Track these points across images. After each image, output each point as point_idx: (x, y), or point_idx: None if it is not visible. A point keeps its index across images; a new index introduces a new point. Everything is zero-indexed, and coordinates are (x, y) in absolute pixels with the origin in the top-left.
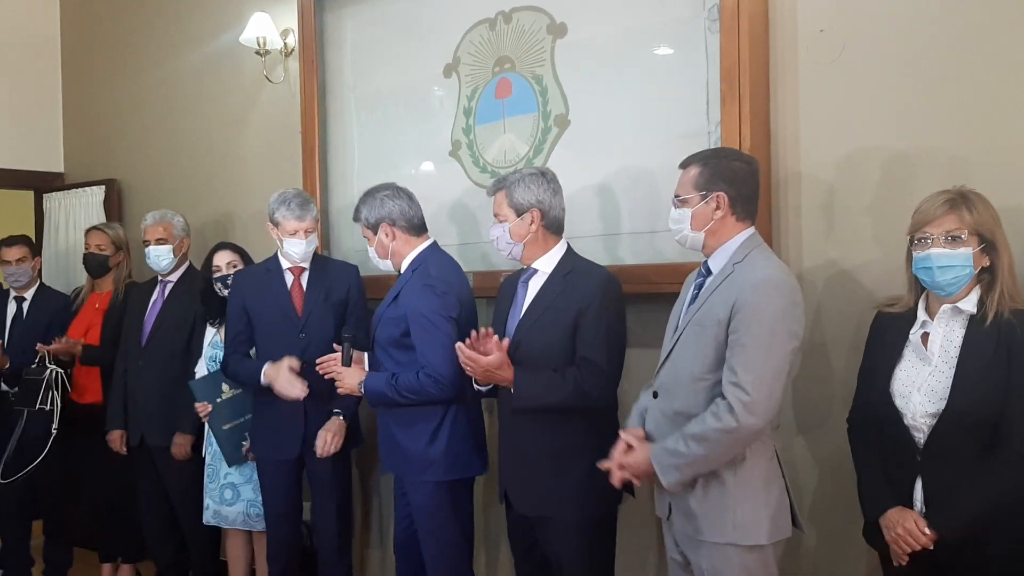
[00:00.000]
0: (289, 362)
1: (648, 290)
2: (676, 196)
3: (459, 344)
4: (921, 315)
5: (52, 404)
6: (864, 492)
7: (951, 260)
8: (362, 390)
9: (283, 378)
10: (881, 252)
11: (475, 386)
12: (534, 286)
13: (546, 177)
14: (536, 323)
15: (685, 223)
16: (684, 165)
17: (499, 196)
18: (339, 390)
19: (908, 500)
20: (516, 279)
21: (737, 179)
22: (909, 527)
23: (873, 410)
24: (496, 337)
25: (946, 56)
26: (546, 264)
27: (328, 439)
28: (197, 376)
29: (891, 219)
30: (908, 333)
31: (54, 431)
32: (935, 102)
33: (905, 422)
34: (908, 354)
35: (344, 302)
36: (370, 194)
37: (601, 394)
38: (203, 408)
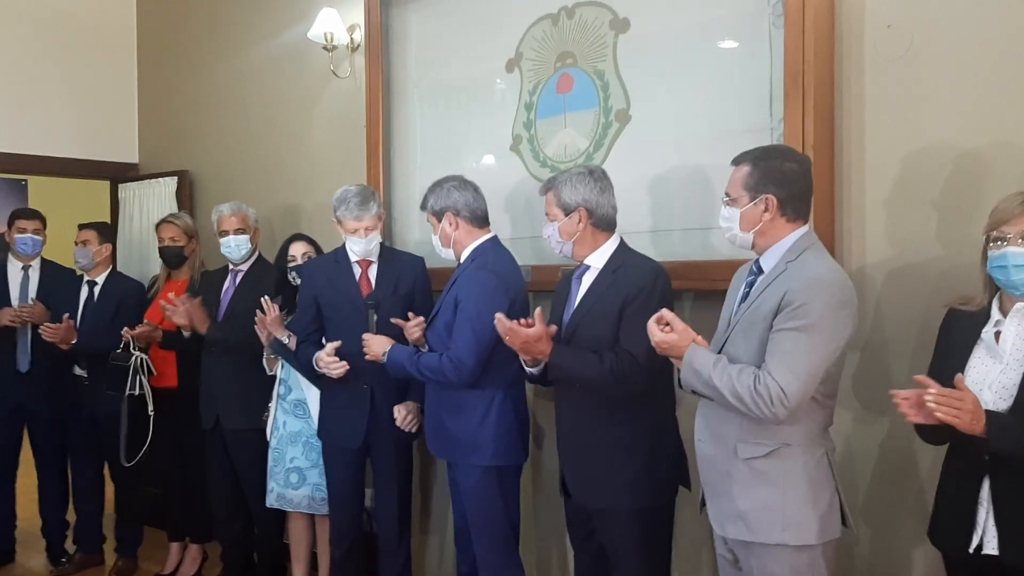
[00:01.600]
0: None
1: (710, 287)
2: (726, 195)
3: (499, 315)
4: (995, 314)
5: (141, 388)
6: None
7: None
8: (384, 358)
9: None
10: (946, 250)
11: (525, 368)
12: (586, 281)
13: (594, 176)
14: (586, 317)
15: (734, 223)
16: (736, 163)
17: (549, 196)
18: (367, 356)
19: (975, 499)
20: (572, 275)
21: (787, 180)
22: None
23: None
24: (539, 310)
25: (1018, 50)
26: (598, 260)
27: (405, 413)
28: (264, 361)
29: (959, 217)
30: (980, 331)
31: (151, 413)
32: (1007, 98)
33: None
34: (979, 352)
35: (411, 294)
36: (438, 184)
37: (632, 382)
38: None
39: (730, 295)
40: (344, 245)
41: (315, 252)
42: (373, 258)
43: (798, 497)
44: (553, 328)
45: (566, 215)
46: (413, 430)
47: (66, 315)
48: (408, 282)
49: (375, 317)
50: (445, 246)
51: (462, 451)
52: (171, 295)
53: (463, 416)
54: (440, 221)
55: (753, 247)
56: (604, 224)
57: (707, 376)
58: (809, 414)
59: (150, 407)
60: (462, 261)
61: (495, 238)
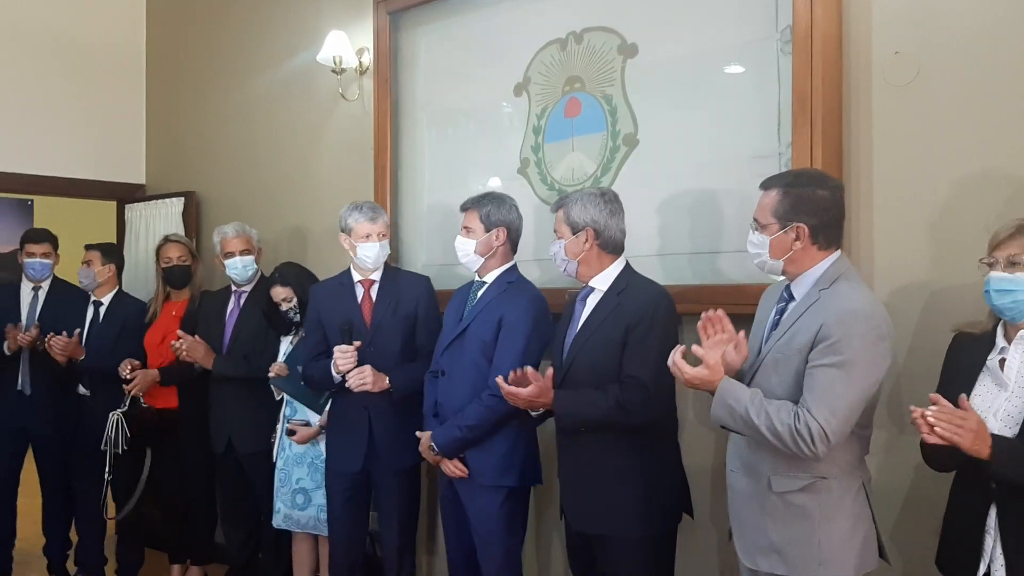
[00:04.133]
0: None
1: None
2: (755, 220)
3: (499, 379)
4: (1000, 341)
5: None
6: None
7: (1009, 284)
8: (435, 447)
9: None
10: (955, 277)
11: (530, 412)
12: (590, 304)
13: (605, 198)
14: (589, 340)
15: (764, 249)
16: (765, 186)
17: (559, 214)
18: (435, 462)
19: (982, 527)
20: (576, 297)
21: (819, 209)
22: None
23: None
24: (530, 370)
25: None
26: (602, 282)
27: (365, 372)
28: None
29: (965, 244)
30: (985, 358)
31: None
32: (1014, 125)
33: None
34: (984, 379)
35: (413, 315)
36: (499, 197)
37: (644, 411)
38: (280, 368)
39: (759, 319)
40: (349, 268)
41: (294, 295)
42: (376, 277)
43: (835, 531)
44: (549, 372)
45: (573, 234)
46: (368, 386)
47: (76, 331)
48: (410, 302)
49: (351, 339)
50: (480, 254)
51: (490, 473)
52: (180, 332)
53: (496, 438)
54: (488, 231)
55: (783, 273)
56: (611, 247)
57: (743, 412)
58: (846, 446)
59: (145, 471)
60: (489, 280)
61: (517, 266)
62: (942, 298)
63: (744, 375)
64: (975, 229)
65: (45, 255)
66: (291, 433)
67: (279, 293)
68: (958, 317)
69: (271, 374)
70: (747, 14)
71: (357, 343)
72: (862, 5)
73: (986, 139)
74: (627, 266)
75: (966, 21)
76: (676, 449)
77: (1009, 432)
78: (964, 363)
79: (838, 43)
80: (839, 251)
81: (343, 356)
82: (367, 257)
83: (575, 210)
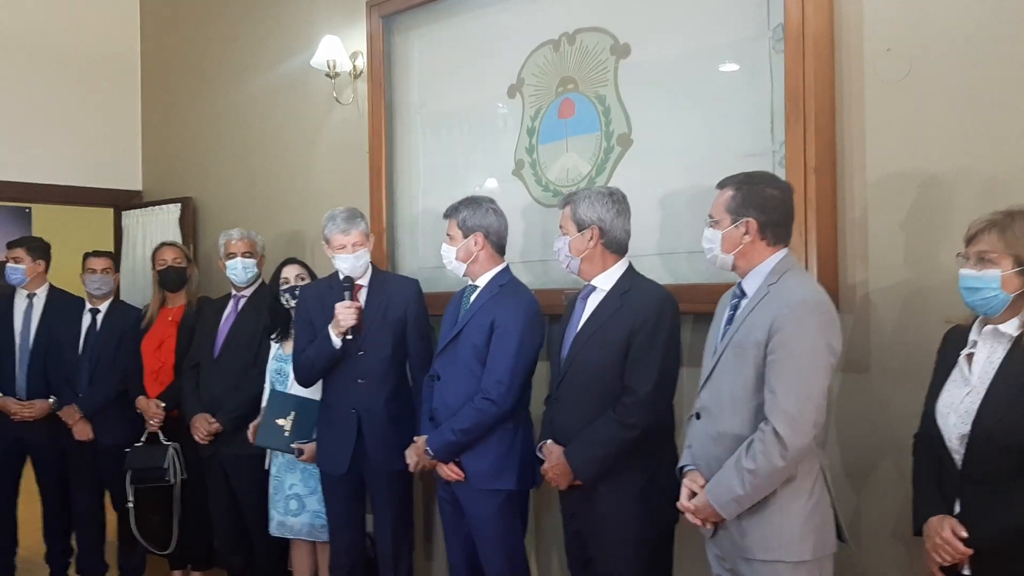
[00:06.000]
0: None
1: (709, 309)
2: (710, 216)
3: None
4: (973, 335)
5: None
6: (914, 505)
7: (977, 282)
8: (431, 453)
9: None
10: (949, 273)
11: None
12: (592, 303)
13: (613, 197)
14: (590, 340)
15: (716, 244)
16: (720, 186)
17: (565, 211)
18: (430, 465)
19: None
20: (576, 296)
21: (768, 206)
22: (947, 536)
23: (929, 428)
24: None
25: (1018, 74)
26: (605, 282)
27: (413, 458)
28: (266, 389)
29: (959, 240)
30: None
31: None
32: (1008, 121)
33: (946, 444)
34: (955, 375)
35: (403, 319)
36: (475, 201)
37: (645, 420)
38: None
39: (716, 319)
40: (337, 271)
41: (308, 275)
42: (363, 281)
43: (793, 514)
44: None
45: (579, 231)
46: (422, 469)
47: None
48: (399, 306)
49: (353, 296)
50: (461, 261)
51: (487, 476)
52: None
53: (491, 441)
54: (466, 237)
55: (734, 269)
56: (615, 246)
57: (738, 493)
58: None
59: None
60: (482, 284)
61: (509, 268)
62: (935, 295)
63: (704, 372)
64: (966, 225)
65: (16, 260)
66: (300, 453)
67: (292, 270)
68: (951, 314)
69: (251, 438)
70: (739, 13)
71: (358, 303)
72: (853, 2)
73: (980, 135)
74: (630, 267)
75: (958, 16)
76: (673, 449)
77: (966, 428)
78: (947, 357)
79: (830, 40)
80: (786, 249)
81: (345, 311)
82: (343, 268)
83: (582, 207)
